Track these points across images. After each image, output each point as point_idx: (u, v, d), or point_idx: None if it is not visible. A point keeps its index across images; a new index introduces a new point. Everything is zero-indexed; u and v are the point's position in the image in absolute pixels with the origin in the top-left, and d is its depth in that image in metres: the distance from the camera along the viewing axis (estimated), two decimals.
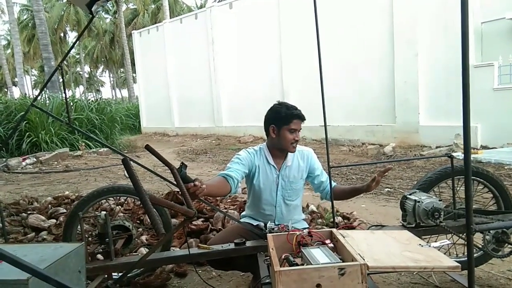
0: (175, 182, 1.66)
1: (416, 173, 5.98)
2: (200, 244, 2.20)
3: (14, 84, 33.95)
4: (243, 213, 2.50)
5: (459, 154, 6.04)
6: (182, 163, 1.71)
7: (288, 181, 2.29)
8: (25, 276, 1.22)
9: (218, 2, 14.46)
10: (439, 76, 8.51)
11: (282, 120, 2.19)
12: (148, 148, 1.73)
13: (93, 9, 2.13)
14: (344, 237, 1.60)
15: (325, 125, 2.19)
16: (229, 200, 4.12)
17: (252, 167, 2.27)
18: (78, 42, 32.82)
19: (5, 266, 1.18)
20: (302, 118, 2.21)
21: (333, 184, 2.33)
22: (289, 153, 2.30)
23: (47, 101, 12.38)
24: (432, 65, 8.65)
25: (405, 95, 9.14)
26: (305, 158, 2.35)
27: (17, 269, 0.92)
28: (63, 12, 32.59)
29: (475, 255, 2.40)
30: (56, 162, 9.06)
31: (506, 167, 5.87)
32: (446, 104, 8.26)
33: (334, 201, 2.26)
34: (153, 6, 33.43)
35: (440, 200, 2.09)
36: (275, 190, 2.28)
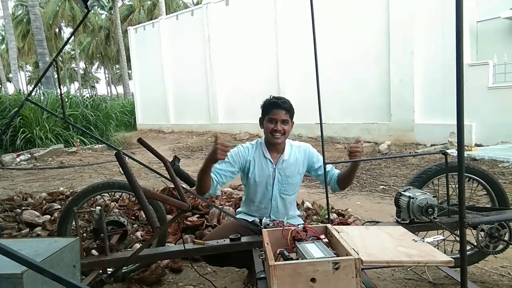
0: (169, 177, 1.66)
1: (411, 170, 6.01)
2: (195, 240, 2.21)
3: (9, 80, 33.67)
4: (239, 209, 2.51)
5: (453, 151, 6.07)
6: (175, 156, 1.71)
7: (285, 175, 2.29)
8: (19, 269, 1.22)
9: None
10: (434, 74, 8.54)
11: (264, 110, 2.25)
12: (140, 141, 1.73)
13: (88, 3, 2.12)
14: (338, 232, 1.61)
15: (320, 123, 2.19)
16: (224, 197, 4.13)
17: (246, 163, 2.27)
18: (73, 37, 32.64)
19: None
20: (281, 106, 2.20)
21: (336, 172, 2.35)
22: (286, 148, 2.31)
23: (42, 97, 12.28)
24: (428, 64, 8.68)
25: (400, 93, 9.17)
26: (303, 152, 2.35)
27: (11, 263, 0.92)
28: (58, 8, 32.28)
29: (468, 252, 2.42)
30: (50, 158, 9.00)
31: (500, 165, 5.91)
32: (442, 102, 8.30)
33: (333, 195, 2.26)
34: (149, 2, 33.24)
35: (434, 197, 2.10)
36: (271, 183, 2.28)
